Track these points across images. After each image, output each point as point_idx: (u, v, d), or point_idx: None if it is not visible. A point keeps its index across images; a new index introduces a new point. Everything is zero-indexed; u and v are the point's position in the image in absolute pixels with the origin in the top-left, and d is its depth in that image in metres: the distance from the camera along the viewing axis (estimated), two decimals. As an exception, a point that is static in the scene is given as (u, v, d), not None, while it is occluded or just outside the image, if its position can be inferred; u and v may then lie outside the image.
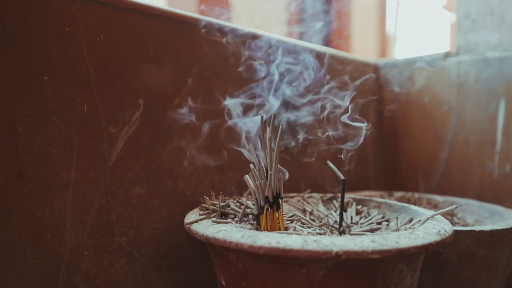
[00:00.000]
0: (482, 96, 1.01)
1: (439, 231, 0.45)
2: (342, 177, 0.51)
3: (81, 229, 0.55)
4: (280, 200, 0.52)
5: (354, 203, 0.68)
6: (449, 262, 0.63)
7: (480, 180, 1.03)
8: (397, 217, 0.54)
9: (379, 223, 0.62)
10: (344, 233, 0.57)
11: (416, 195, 0.89)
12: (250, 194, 0.69)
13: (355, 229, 0.62)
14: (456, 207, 0.52)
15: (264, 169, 0.52)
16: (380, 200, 0.67)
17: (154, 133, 0.63)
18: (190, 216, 0.55)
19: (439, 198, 0.92)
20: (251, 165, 0.54)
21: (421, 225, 0.50)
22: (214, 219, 0.51)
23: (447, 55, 1.08)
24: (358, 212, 0.67)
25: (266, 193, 0.50)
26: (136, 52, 0.61)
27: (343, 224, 0.62)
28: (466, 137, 1.05)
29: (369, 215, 0.66)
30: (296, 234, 0.48)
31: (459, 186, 1.06)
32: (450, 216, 0.80)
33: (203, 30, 0.68)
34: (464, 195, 1.01)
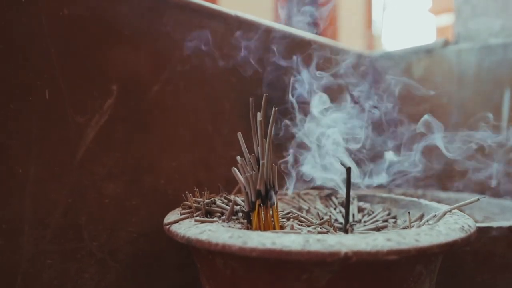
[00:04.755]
0: (485, 85, 0.95)
1: (463, 226, 0.39)
2: (348, 165, 0.44)
3: (42, 234, 0.47)
4: (274, 195, 0.44)
5: (356, 199, 0.62)
6: (464, 263, 0.57)
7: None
8: (409, 212, 0.47)
9: (385, 221, 0.55)
10: (347, 233, 0.50)
11: (419, 191, 0.83)
12: (239, 191, 0.61)
13: (358, 228, 0.55)
14: (478, 199, 0.45)
15: (255, 159, 0.45)
16: (384, 195, 0.60)
17: (130, 123, 0.56)
18: (170, 216, 0.48)
19: (442, 195, 0.85)
20: (238, 157, 0.46)
21: (437, 221, 0.44)
22: (197, 218, 0.44)
23: (446, 43, 1.03)
24: (360, 209, 0.60)
25: (258, 186, 0.43)
26: (109, 32, 0.53)
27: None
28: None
29: (373, 212, 0.59)
30: (295, 233, 0.41)
31: (461, 181, 1.00)
32: (457, 213, 0.74)
33: (186, 11, 0.61)
34: (467, 191, 0.95)
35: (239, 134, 0.47)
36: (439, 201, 0.83)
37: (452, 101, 1.00)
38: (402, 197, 0.57)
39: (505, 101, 0.92)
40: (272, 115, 0.44)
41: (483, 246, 0.55)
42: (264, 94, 0.45)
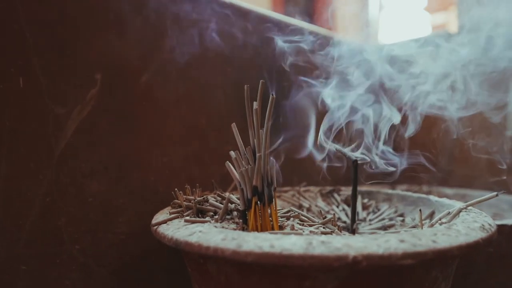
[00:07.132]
0: (490, 78, 0.91)
1: (483, 225, 0.35)
2: (354, 157, 0.40)
3: (16, 237, 0.42)
4: (272, 191, 0.40)
5: (360, 196, 0.57)
6: (476, 264, 0.53)
7: (487, 172, 0.93)
8: (420, 210, 0.43)
9: (392, 219, 0.51)
10: (354, 233, 0.46)
11: (425, 187, 0.79)
12: (235, 189, 0.57)
13: (363, 227, 0.51)
14: (497, 195, 0.41)
15: (251, 152, 0.40)
16: (390, 191, 0.56)
17: (116, 115, 0.51)
18: (159, 216, 0.43)
19: (448, 191, 0.82)
20: (231, 152, 0.42)
21: (451, 219, 0.40)
22: (187, 217, 0.40)
23: (449, 35, 0.99)
24: (364, 207, 0.56)
25: (254, 182, 0.39)
26: (92, 16, 0.49)
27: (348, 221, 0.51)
28: (472, 125, 0.95)
29: (379, 209, 0.55)
30: (296, 234, 0.37)
31: (465, 178, 0.96)
32: (465, 210, 0.70)
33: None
34: (471, 187, 0.91)
35: (233, 126, 0.43)
36: (446, 197, 0.79)
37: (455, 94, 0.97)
38: (410, 193, 0.53)
39: (510, 92, 0.88)
40: (269, 104, 0.40)
41: (497, 246, 0.51)
42: (261, 81, 0.41)
